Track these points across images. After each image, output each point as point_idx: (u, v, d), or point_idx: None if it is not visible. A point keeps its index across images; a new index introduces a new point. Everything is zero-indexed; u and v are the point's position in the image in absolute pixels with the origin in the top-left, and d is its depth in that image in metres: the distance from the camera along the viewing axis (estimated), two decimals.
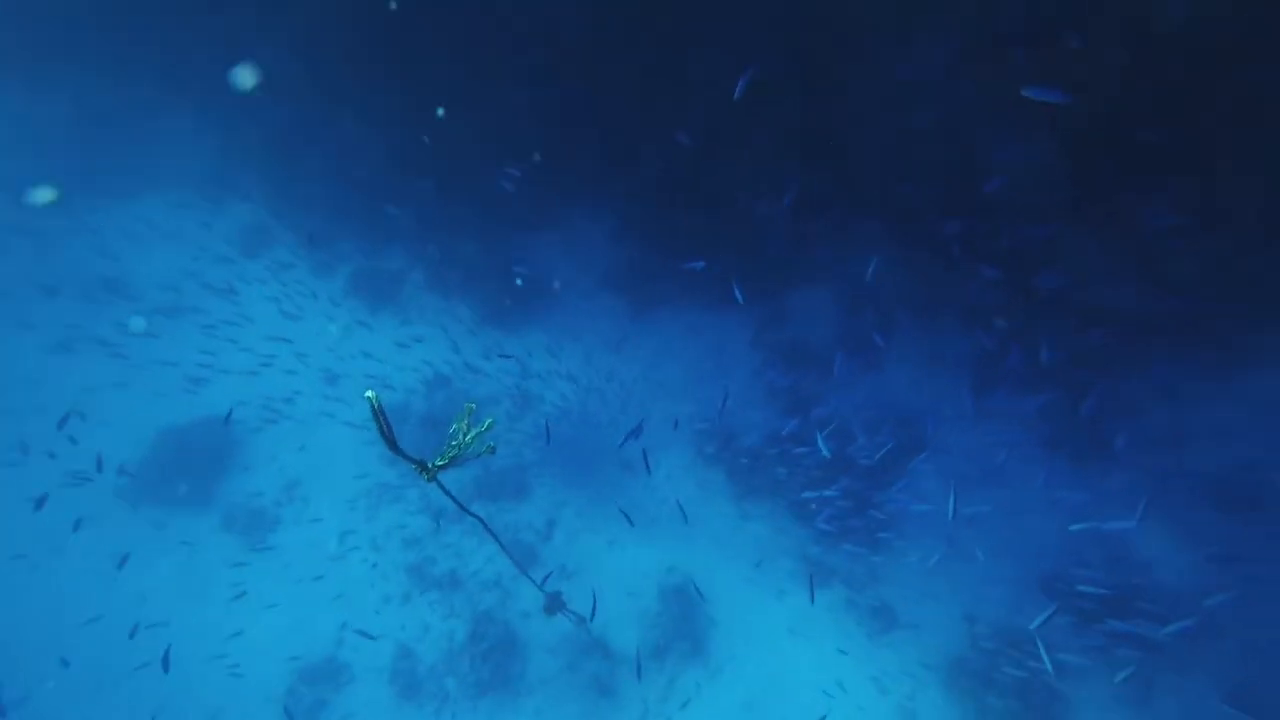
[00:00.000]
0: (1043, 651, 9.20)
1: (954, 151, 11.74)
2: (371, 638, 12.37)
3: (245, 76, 14.87)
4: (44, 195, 18.77)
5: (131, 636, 12.95)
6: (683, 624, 12.81)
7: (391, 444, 5.74)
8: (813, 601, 12.28)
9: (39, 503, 11.88)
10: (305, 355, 16.92)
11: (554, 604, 11.34)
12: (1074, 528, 10.24)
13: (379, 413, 5.51)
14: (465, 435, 6.36)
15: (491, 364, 16.25)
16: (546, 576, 10.69)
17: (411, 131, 14.65)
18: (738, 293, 11.69)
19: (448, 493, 6.80)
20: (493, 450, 6.56)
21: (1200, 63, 9.16)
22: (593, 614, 11.58)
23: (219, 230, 19.22)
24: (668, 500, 14.03)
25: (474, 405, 6.39)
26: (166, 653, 10.73)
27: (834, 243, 14.32)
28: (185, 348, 17.32)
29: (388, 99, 14.73)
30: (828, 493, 12.77)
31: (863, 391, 14.19)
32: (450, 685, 12.96)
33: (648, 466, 9.83)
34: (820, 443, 11.01)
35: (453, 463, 6.45)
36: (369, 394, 5.33)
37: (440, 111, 12.97)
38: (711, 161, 12.94)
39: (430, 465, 6.42)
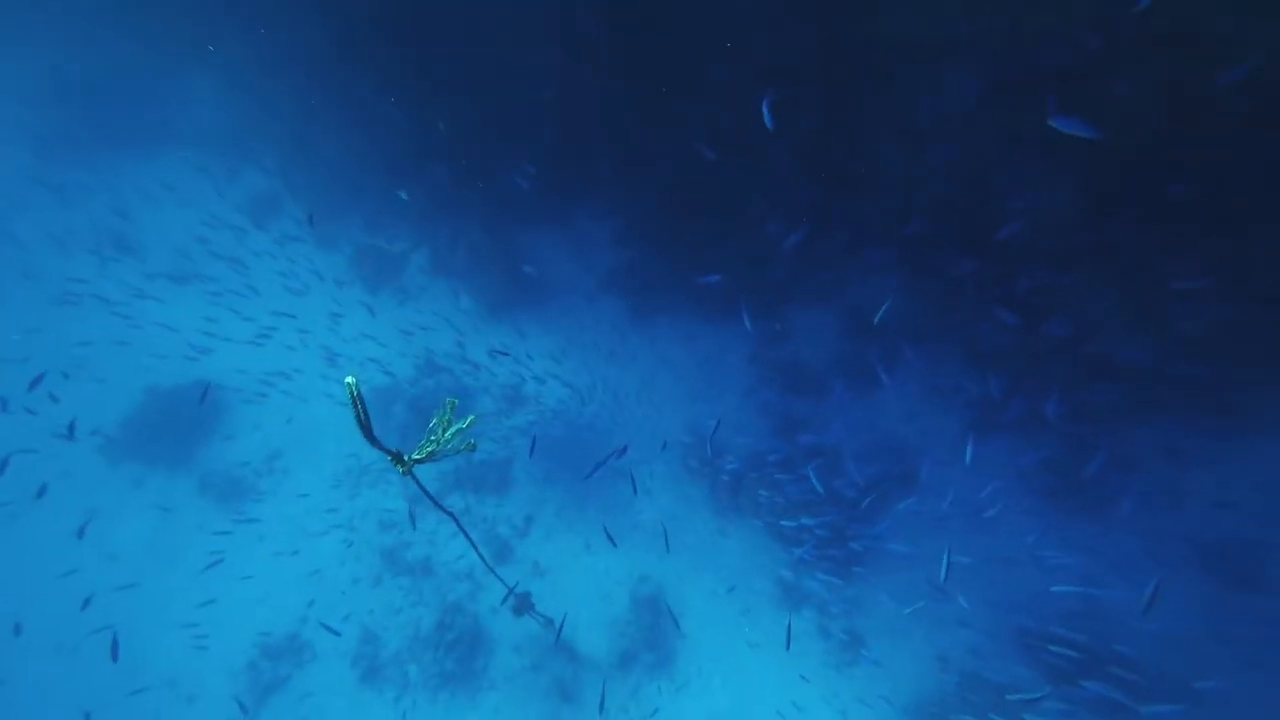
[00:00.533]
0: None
1: (971, 190, 11.64)
2: (335, 633, 12.29)
3: None
4: None
5: (84, 607, 12.83)
6: (651, 634, 12.70)
7: (367, 432, 5.66)
8: (788, 648, 12.09)
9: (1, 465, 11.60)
10: (307, 332, 16.83)
11: (523, 604, 11.24)
12: (1058, 589, 10.10)
13: (357, 400, 5.42)
14: (445, 431, 6.28)
15: (486, 354, 16.16)
16: (513, 588, 10.56)
17: (429, 116, 14.58)
18: (747, 320, 11.60)
19: (422, 487, 6.72)
20: (473, 448, 6.47)
21: (1244, 125, 9.02)
22: (558, 635, 11.48)
23: (232, 198, 19.13)
24: (647, 510, 13.93)
25: (455, 401, 6.30)
26: (114, 642, 10.52)
27: (842, 268, 14.24)
28: (189, 314, 17.24)
29: (409, 83, 14.66)
30: (807, 521, 12.67)
31: (857, 419, 14.07)
32: (412, 673, 12.85)
33: (634, 488, 9.69)
34: (813, 478, 10.89)
35: (430, 457, 6.37)
36: (349, 380, 5.24)
37: (441, 126, 12.84)
38: (725, 175, 12.85)
39: (406, 458, 6.34)
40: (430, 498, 6.86)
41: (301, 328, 16.75)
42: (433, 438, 6.18)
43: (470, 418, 6.33)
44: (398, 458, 6.18)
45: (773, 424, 14.36)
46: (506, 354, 15.54)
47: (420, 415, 15.26)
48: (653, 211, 14.46)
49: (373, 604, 13.71)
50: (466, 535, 7.40)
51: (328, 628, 11.72)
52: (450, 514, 7.19)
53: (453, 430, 6.25)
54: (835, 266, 14.30)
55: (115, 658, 10.48)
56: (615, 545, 13.09)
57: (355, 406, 5.34)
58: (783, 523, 13.10)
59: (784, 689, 12.16)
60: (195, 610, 13.88)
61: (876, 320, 10.80)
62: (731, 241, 13.70)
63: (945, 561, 8.35)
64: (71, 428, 11.96)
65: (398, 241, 17.95)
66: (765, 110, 8.49)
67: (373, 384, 16.10)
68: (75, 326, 17.15)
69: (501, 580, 9.32)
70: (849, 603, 12.78)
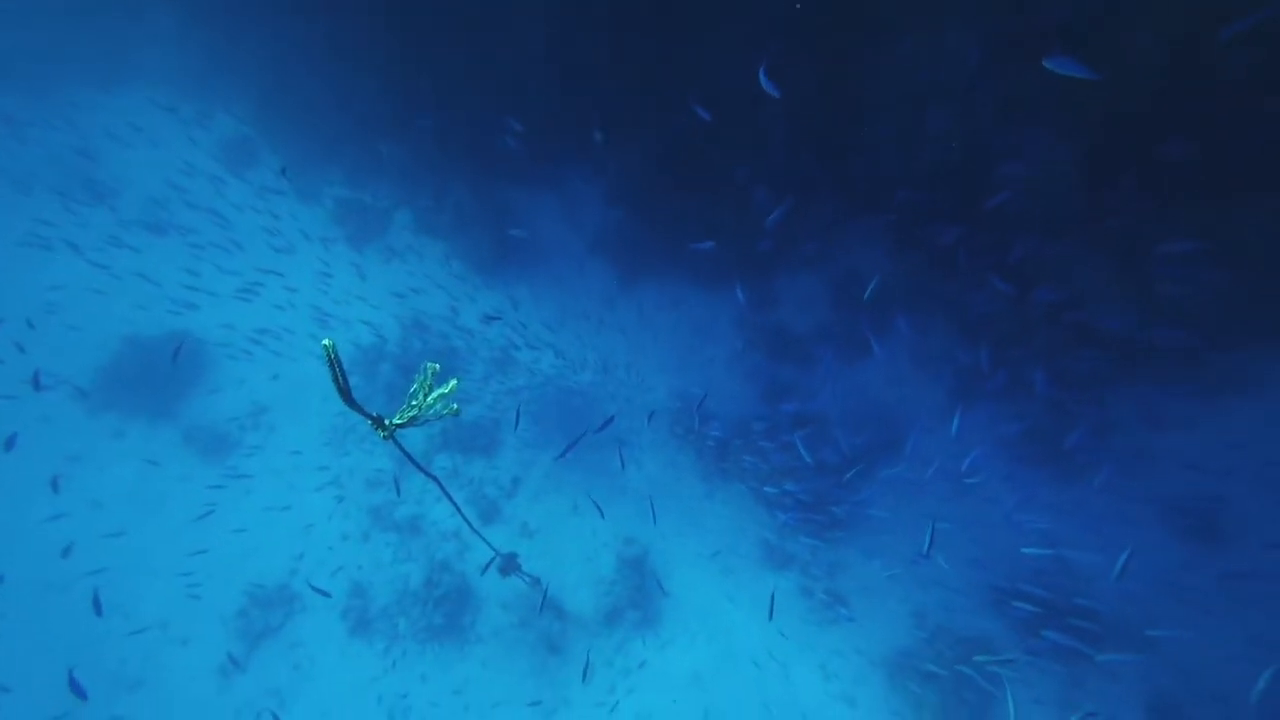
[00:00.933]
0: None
1: (965, 156, 11.33)
2: (326, 594, 12.46)
3: None
4: None
5: (65, 555, 12.87)
6: (637, 594, 12.93)
7: (345, 395, 5.51)
8: (771, 618, 12.35)
9: None
10: (295, 290, 16.44)
11: (509, 565, 11.35)
12: (1029, 550, 10.33)
13: (334, 362, 5.24)
14: (426, 396, 6.13)
15: (472, 314, 15.91)
16: (494, 557, 10.63)
17: (411, 67, 13.90)
18: (740, 293, 11.38)
19: (404, 452, 6.62)
20: (457, 412, 6.35)
21: (1243, 86, 8.78)
22: (542, 603, 11.61)
23: (205, 145, 18.35)
24: (635, 475, 14.00)
25: (437, 366, 6.14)
26: (96, 597, 10.57)
27: (830, 236, 13.97)
28: (169, 265, 16.76)
29: (391, 30, 13.90)
30: (791, 487, 12.78)
31: (845, 386, 14.06)
32: (401, 626, 13.08)
33: (622, 462, 9.63)
34: (800, 447, 10.90)
35: (412, 422, 6.25)
36: (325, 342, 5.06)
37: (425, 78, 12.05)
38: (716, 137, 12.42)
39: (388, 422, 6.21)
40: (413, 462, 6.77)
41: (289, 285, 16.36)
42: (414, 402, 6.04)
43: (452, 382, 6.17)
44: (379, 422, 6.04)
45: (759, 390, 14.34)
46: (499, 318, 15.27)
47: (407, 375, 15.10)
48: (642, 173, 14.04)
49: (361, 559, 13.85)
50: (450, 498, 7.35)
51: (318, 590, 11.92)
52: (434, 478, 7.11)
53: (434, 395, 6.11)
54: (824, 235, 14.04)
55: (99, 611, 10.58)
56: (603, 517, 13.18)
57: (333, 369, 5.17)
58: (767, 489, 13.21)
59: (765, 645, 12.50)
60: (187, 559, 13.98)
61: (866, 296, 10.63)
62: (721, 207, 13.37)
63: (930, 533, 8.44)
64: (36, 379, 11.70)
65: (381, 198, 17.41)
66: (763, 77, 8.11)
67: (359, 343, 15.87)
68: (45, 271, 16.65)
69: (487, 542, 9.37)
70: (831, 564, 13.03)
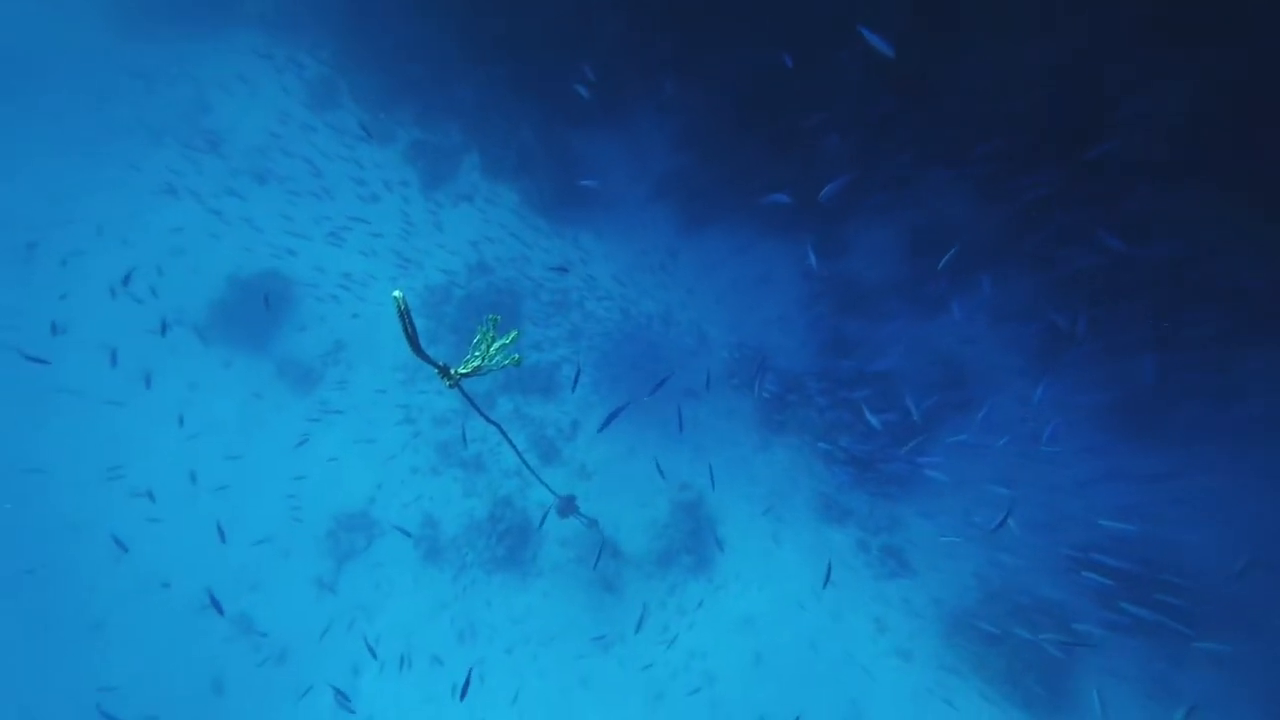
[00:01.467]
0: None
1: (1071, 95, 10.08)
2: (408, 534, 13.40)
3: None
4: None
5: (193, 481, 14.32)
6: (691, 539, 13.17)
7: (415, 346, 5.62)
8: (826, 585, 12.34)
9: (112, 357, 13.10)
10: (380, 236, 16.96)
11: (567, 507, 11.70)
12: (1108, 522, 9.74)
13: (404, 314, 5.33)
14: (489, 347, 6.19)
15: (535, 257, 15.92)
16: (549, 509, 10.93)
17: (488, 11, 13.45)
18: (812, 256, 10.78)
19: (469, 400, 6.76)
20: (519, 362, 6.40)
21: None
22: (597, 560, 11.98)
23: (296, 93, 18.85)
24: (690, 422, 13.98)
25: (497, 318, 6.15)
26: (220, 526, 11.93)
27: (910, 185, 12.95)
28: (269, 211, 17.63)
29: None
30: (851, 443, 12.46)
31: (914, 343, 13.38)
32: (469, 557, 13.88)
33: (681, 424, 9.56)
34: (866, 411, 10.51)
35: (476, 372, 6.35)
36: (396, 294, 5.12)
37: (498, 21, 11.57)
38: (789, 81, 11.52)
39: (453, 371, 6.33)
40: (477, 409, 6.92)
41: (375, 231, 16.94)
42: (477, 353, 6.12)
43: (513, 333, 6.20)
44: (445, 371, 6.17)
45: (823, 343, 13.86)
46: (566, 270, 15.24)
47: (470, 315, 15.41)
48: (711, 118, 13.31)
49: (432, 492, 14.63)
50: (513, 445, 7.53)
51: (400, 529, 12.83)
52: (497, 425, 7.28)
53: (497, 346, 6.16)
54: (900, 184, 13.03)
55: (223, 538, 11.94)
56: (664, 478, 13.30)
57: (403, 320, 5.26)
58: (822, 444, 12.95)
59: (816, 594, 12.57)
60: (289, 482, 15.21)
61: (942, 266, 9.84)
62: (790, 154, 12.56)
63: (1005, 515, 8.05)
64: (163, 325, 12.91)
65: (451, 138, 17.39)
66: (868, 34, 7.30)
67: (429, 284, 16.23)
68: (169, 215, 17.95)
69: (546, 485, 9.64)
70: (888, 521, 12.82)
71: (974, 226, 12.54)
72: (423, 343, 5.45)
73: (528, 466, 8.60)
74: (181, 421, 15.84)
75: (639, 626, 12.55)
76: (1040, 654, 11.10)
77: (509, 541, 13.60)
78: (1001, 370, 12.86)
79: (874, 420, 10.54)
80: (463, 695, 8.43)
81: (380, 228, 17.03)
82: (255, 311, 16.28)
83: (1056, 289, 12.27)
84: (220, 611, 9.35)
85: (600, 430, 9.87)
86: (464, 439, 14.31)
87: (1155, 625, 10.43)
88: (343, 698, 9.95)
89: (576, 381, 9.39)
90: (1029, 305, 12.70)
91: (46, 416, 16.46)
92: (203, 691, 13.95)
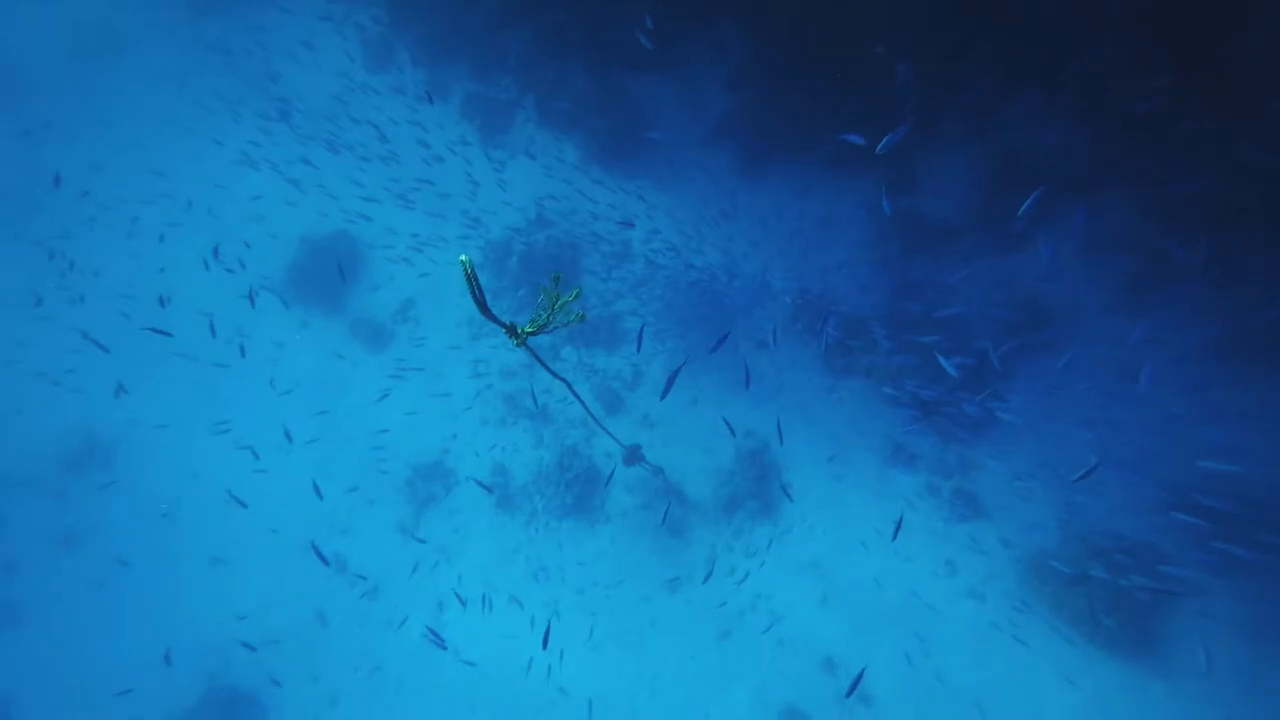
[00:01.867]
0: None
1: None
2: (488, 489, 14.13)
3: None
4: None
5: (289, 439, 15.56)
6: (756, 486, 13.31)
7: (483, 308, 5.82)
8: (895, 538, 12.25)
9: (211, 328, 14.46)
10: (448, 196, 17.31)
11: (633, 456, 12.00)
12: (1208, 464, 9.12)
13: (472, 278, 5.51)
14: (553, 305, 6.33)
15: (593, 206, 15.85)
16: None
17: None
18: (886, 203, 10.21)
19: (537, 357, 6.96)
20: (582, 318, 6.52)
21: None
22: (665, 516, 12.25)
23: (358, 56, 19.08)
24: (754, 372, 13.89)
25: (560, 275, 6.25)
26: (314, 484, 13.07)
27: (989, 110, 11.91)
28: (341, 178, 18.28)
29: None
30: (910, 385, 12.08)
31: (991, 279, 12.63)
32: (538, 504, 14.57)
33: (747, 380, 9.48)
34: (941, 360, 10.10)
35: (541, 330, 6.52)
36: (463, 258, 5.29)
37: None
38: (855, 6, 10.67)
39: (520, 330, 6.53)
40: (544, 365, 7.13)
41: (442, 192, 17.31)
42: (542, 312, 6.27)
43: (575, 291, 6.30)
44: (511, 330, 6.36)
45: (891, 286, 13.28)
46: (632, 224, 15.15)
47: (531, 269, 15.63)
48: (773, 50, 12.56)
49: (502, 442, 15.31)
50: (579, 399, 7.74)
51: (480, 483, 13.65)
52: (564, 380, 7.49)
53: (560, 303, 6.29)
54: (981, 112, 12.00)
55: (320, 494, 13.07)
56: (734, 435, 13.34)
57: (470, 284, 5.44)
58: (886, 389, 12.62)
59: (888, 545, 12.54)
60: (374, 435, 16.27)
61: (1021, 212, 9.04)
62: (859, 86, 11.75)
63: (1094, 464, 7.69)
64: (251, 295, 13.87)
65: (505, 90, 17.28)
66: None
67: (487, 239, 16.52)
68: (250, 186, 18.95)
69: (614, 437, 9.91)
70: (960, 464, 12.51)
71: (1065, 151, 11.50)
72: (487, 300, 5.60)
73: (594, 418, 8.85)
74: (273, 383, 17.09)
75: (707, 577, 12.94)
76: (1125, 596, 10.78)
77: (577, 489, 14.15)
78: (1087, 309, 12.02)
79: (948, 365, 10.14)
80: (544, 644, 9.03)
81: (447, 188, 17.33)
82: (329, 274, 17.09)
83: (1165, 215, 11.16)
84: (325, 562, 10.28)
85: (663, 398, 9.96)
86: (533, 398, 14.82)
87: (1258, 565, 9.89)
88: (435, 636, 10.86)
89: (641, 340, 9.46)
90: (1127, 236, 11.68)
91: (166, 379, 18.09)
92: (309, 621, 15.52)
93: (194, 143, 19.80)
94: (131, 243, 19.40)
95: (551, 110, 16.27)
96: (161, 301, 16.22)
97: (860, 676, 7.31)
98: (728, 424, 10.17)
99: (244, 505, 13.94)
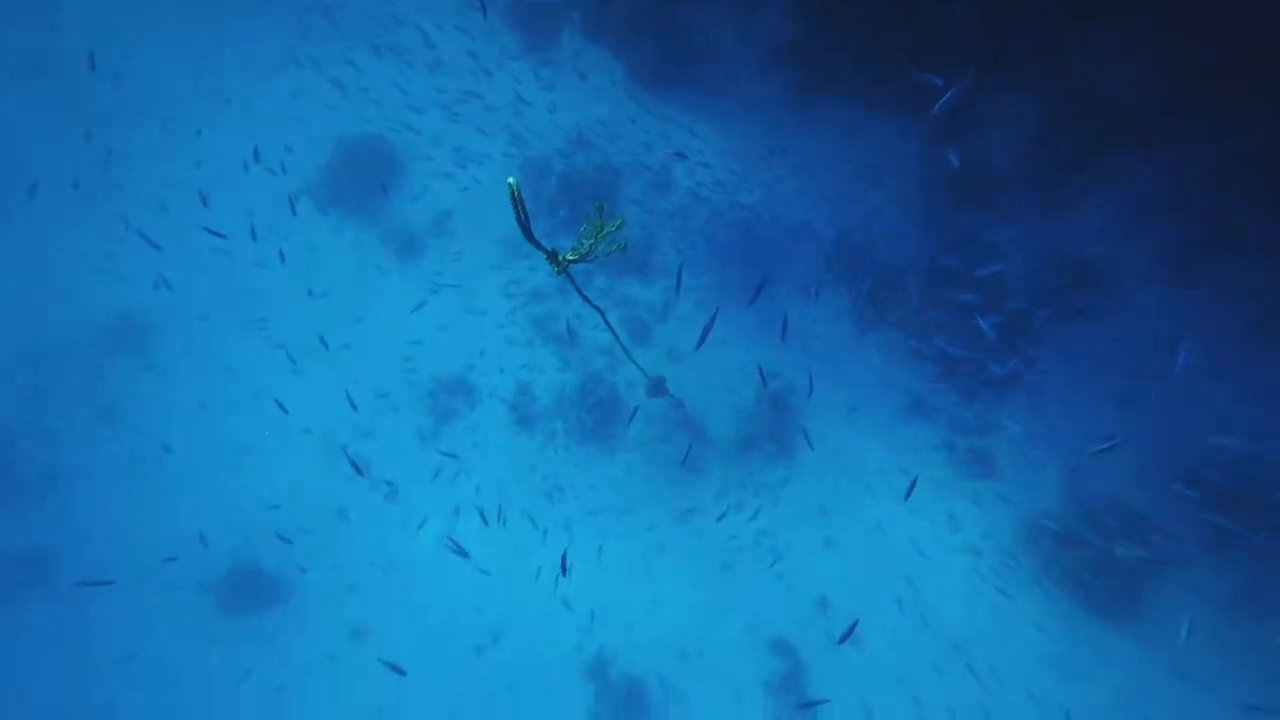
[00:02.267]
0: None
1: None
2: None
3: None
4: None
5: (327, 347, 15.87)
6: (774, 428, 13.51)
7: (527, 233, 5.81)
8: (907, 499, 12.42)
9: (252, 232, 14.14)
10: (494, 110, 16.79)
11: (657, 388, 12.17)
12: (1223, 439, 9.05)
13: (517, 200, 5.48)
14: (598, 232, 6.28)
15: (635, 131, 15.34)
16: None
17: None
18: (953, 156, 9.68)
19: (575, 286, 6.98)
20: (624, 248, 6.49)
21: None
22: (685, 455, 12.41)
23: None
24: (788, 316, 13.79)
25: (604, 205, 6.17)
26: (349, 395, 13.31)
27: (1057, 53, 11.04)
28: (385, 83, 17.76)
29: None
30: (938, 340, 11.94)
31: (1035, 240, 12.17)
32: (558, 426, 14.96)
33: (784, 332, 9.41)
34: (979, 319, 9.90)
35: (582, 259, 6.50)
36: (510, 180, 5.24)
37: None
38: None
39: (561, 258, 6.52)
40: (582, 295, 7.16)
41: (489, 106, 16.79)
42: (585, 241, 6.23)
43: (619, 220, 6.24)
44: (553, 256, 6.36)
45: (932, 236, 12.88)
46: (685, 156, 14.65)
47: (569, 192, 15.37)
48: None
49: (528, 362, 15.57)
50: (613, 331, 7.80)
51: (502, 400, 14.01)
52: (598, 309, 7.53)
53: (604, 233, 6.24)
54: (1046, 53, 11.12)
55: (355, 406, 13.35)
56: (766, 384, 13.36)
57: (516, 207, 5.41)
58: (912, 341, 12.50)
59: (899, 499, 12.80)
60: (406, 345, 16.60)
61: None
62: (917, 21, 10.91)
63: (1115, 441, 7.67)
64: (292, 202, 13.84)
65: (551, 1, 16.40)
66: None
67: (526, 157, 16.17)
68: (291, 85, 18.54)
69: (641, 369, 10.03)
70: (980, 423, 12.55)
71: (1130, 100, 10.74)
72: (537, 239, 5.59)
73: (623, 348, 8.94)
74: (310, 292, 17.31)
75: (722, 516, 13.37)
76: (1113, 561, 11.04)
77: (598, 415, 14.47)
78: (1129, 274, 11.61)
79: (986, 326, 9.99)
80: (563, 571, 9.39)
81: (494, 102, 16.81)
82: (367, 180, 16.95)
83: (1225, 181, 10.53)
84: (359, 472, 10.70)
85: (698, 347, 9.96)
86: (569, 332, 14.92)
87: (1253, 543, 10.01)
88: (456, 545, 11.46)
89: (680, 280, 9.39)
90: (1185, 199, 11.09)
91: (205, 272, 18.40)
92: (331, 516, 16.42)
93: (235, 42, 19.24)
94: (167, 138, 19.29)
95: (599, 21, 15.46)
96: (204, 200, 16.26)
97: (854, 626, 7.67)
98: (761, 373, 10.27)
99: (285, 410, 14.42)
